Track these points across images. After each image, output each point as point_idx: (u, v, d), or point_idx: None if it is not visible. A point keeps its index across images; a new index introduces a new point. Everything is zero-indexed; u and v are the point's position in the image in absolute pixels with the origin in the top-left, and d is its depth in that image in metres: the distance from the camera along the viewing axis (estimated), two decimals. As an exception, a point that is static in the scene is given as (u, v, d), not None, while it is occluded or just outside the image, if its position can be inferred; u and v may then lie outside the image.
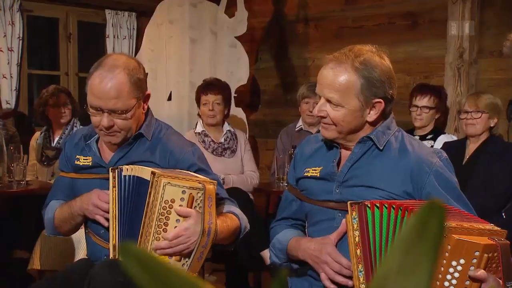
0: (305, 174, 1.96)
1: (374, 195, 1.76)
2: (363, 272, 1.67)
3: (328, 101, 1.81)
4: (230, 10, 5.03)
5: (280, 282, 0.41)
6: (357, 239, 1.69)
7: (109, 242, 2.01)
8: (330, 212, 1.87)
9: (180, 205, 1.89)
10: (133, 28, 5.41)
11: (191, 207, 1.89)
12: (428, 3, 4.41)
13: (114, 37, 5.32)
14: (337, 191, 1.86)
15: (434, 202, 0.42)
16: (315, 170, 1.93)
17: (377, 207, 1.67)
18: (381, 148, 1.82)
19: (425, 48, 4.40)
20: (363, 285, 1.67)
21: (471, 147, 3.49)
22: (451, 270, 1.48)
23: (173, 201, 1.88)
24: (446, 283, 1.49)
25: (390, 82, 1.81)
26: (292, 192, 2.05)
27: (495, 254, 1.47)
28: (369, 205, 1.68)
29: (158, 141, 2.14)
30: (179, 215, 1.89)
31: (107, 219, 2.02)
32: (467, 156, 3.48)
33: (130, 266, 0.42)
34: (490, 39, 4.10)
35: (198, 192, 1.89)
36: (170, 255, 1.91)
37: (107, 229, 2.03)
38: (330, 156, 1.92)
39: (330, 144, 1.93)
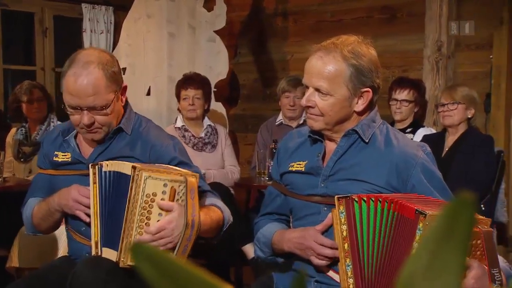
0: (290, 169, 1.95)
1: (359, 188, 1.76)
2: (351, 266, 1.68)
3: (317, 90, 1.80)
4: (209, 4, 5.00)
5: (299, 284, 0.40)
6: (344, 233, 1.69)
7: (90, 239, 1.98)
8: (315, 206, 1.86)
9: (162, 199, 1.87)
10: (110, 23, 5.35)
11: (173, 200, 1.88)
12: (406, -3, 4.43)
13: (91, 31, 5.26)
14: (322, 185, 1.85)
15: (462, 198, 0.40)
16: (299, 164, 1.92)
17: (364, 201, 1.67)
18: (366, 141, 1.82)
19: (403, 42, 4.42)
20: (351, 279, 1.67)
21: (450, 139, 3.53)
22: None
23: (154, 194, 1.86)
24: None
25: (377, 71, 1.81)
26: (276, 187, 2.04)
27: (479, 242, 1.48)
28: (356, 199, 1.68)
29: (138, 135, 2.11)
30: (161, 209, 1.87)
31: (88, 215, 1.99)
32: (446, 148, 3.51)
33: (144, 269, 0.40)
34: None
35: (180, 185, 1.88)
36: None
37: (88, 225, 2.00)
38: (314, 150, 1.92)
39: (314, 138, 1.93)
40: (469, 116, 3.51)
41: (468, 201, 0.40)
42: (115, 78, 2.03)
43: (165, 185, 1.87)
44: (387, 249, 1.62)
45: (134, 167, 1.87)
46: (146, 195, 1.86)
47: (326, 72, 1.77)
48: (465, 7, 4.13)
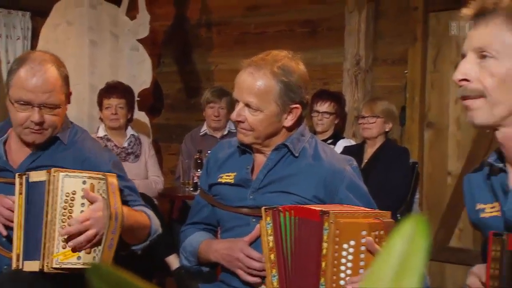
0: (219, 180, 1.96)
1: (288, 200, 1.80)
2: (277, 276, 1.71)
3: (247, 105, 1.83)
4: (131, 13, 4.95)
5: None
6: (271, 244, 1.72)
7: (10, 250, 1.92)
8: (244, 218, 1.89)
9: (82, 196, 1.84)
10: (27, 29, 5.18)
11: None
12: (326, 12, 4.57)
13: (6, 37, 5.07)
14: (251, 197, 1.88)
15: (414, 219, 0.44)
16: (229, 176, 1.93)
17: (288, 212, 1.71)
18: (296, 154, 1.86)
19: (324, 55, 4.55)
20: None
21: (369, 151, 3.68)
22: (344, 253, 1.55)
23: (74, 192, 1.83)
24: (343, 267, 1.55)
25: (306, 87, 1.87)
26: (204, 198, 2.04)
27: (382, 232, 1.56)
28: (282, 210, 1.72)
29: (73, 145, 2.07)
30: (86, 199, 1.83)
31: (8, 227, 1.93)
32: (365, 160, 3.65)
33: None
34: (383, 48, 4.32)
35: (99, 182, 1.86)
36: (82, 246, 1.83)
37: (8, 237, 1.94)
38: (243, 162, 1.94)
39: (243, 150, 1.95)
40: (387, 130, 3.67)
41: (421, 223, 0.44)
42: (67, 81, 2.04)
43: (84, 182, 1.85)
44: (301, 255, 1.66)
45: (48, 171, 1.84)
46: (66, 194, 1.82)
47: (256, 88, 1.81)
48: (382, 23, 4.32)
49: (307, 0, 4.66)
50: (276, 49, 1.91)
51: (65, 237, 1.82)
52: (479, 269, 1.38)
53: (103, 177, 1.86)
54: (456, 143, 4.02)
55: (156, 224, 2.08)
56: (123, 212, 1.85)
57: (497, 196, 1.37)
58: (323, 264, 1.57)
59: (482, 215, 1.41)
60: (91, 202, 1.84)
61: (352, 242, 1.55)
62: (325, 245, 1.57)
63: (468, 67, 1.30)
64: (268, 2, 4.84)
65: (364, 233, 1.54)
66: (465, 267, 3.95)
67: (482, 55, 1.28)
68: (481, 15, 1.29)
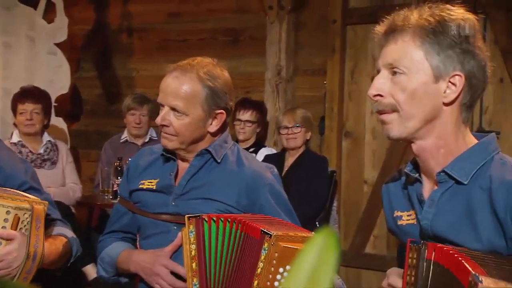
0: (140, 186, 1.94)
1: (210, 207, 1.81)
2: (197, 285, 1.71)
3: (173, 109, 1.82)
4: (49, 16, 4.82)
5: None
6: (193, 252, 1.72)
7: None
8: (165, 225, 1.87)
9: (3, 227, 1.76)
10: None
11: (16, 229, 1.76)
12: (248, 21, 4.62)
13: None
14: (173, 203, 1.87)
15: (325, 232, 0.46)
16: (150, 182, 1.92)
17: (214, 221, 1.71)
18: (219, 161, 1.87)
19: (246, 64, 4.60)
20: None
21: (290, 160, 3.74)
22: (278, 276, 1.57)
23: None
24: None
25: (230, 94, 1.88)
26: (124, 205, 2.01)
27: None
28: (206, 219, 1.71)
29: None
30: (1, 238, 1.76)
31: None
32: (285, 168, 3.72)
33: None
34: (304, 59, 4.42)
35: (25, 213, 1.77)
36: None
37: None
38: (166, 168, 1.93)
39: (167, 156, 1.94)
40: (308, 138, 3.75)
41: (332, 237, 0.47)
42: None
43: (8, 212, 1.75)
44: (233, 268, 1.67)
45: None
46: None
47: (182, 92, 1.81)
48: (302, 34, 4.42)
49: (230, 9, 4.70)
50: (199, 57, 1.93)
51: None
52: (394, 271, 1.44)
53: (30, 208, 1.75)
54: (372, 152, 4.16)
55: (76, 245, 2.00)
56: (43, 251, 1.78)
57: (413, 205, 1.43)
58: (255, 282, 1.57)
59: (400, 222, 1.46)
60: (8, 240, 1.75)
61: (288, 267, 1.56)
62: (261, 264, 1.57)
63: (381, 83, 1.36)
64: (191, 10, 4.84)
65: (296, 258, 1.56)
66: (379, 273, 4.10)
67: (393, 71, 1.34)
68: (391, 32, 1.36)
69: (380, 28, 1.39)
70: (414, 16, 1.34)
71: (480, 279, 1.14)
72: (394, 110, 1.35)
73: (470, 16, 1.35)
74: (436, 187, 1.38)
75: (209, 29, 4.78)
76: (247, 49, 4.62)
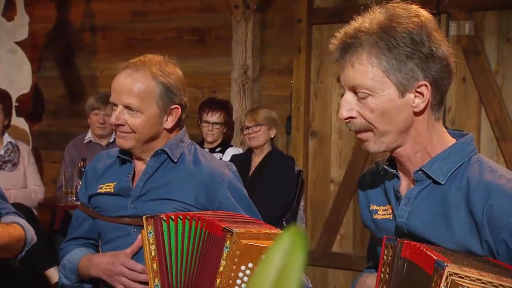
0: (99, 191, 1.91)
1: (169, 207, 1.79)
2: (159, 286, 1.69)
3: (127, 107, 1.80)
4: (9, 14, 4.71)
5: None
6: (153, 253, 1.69)
7: None
8: (125, 228, 1.85)
9: None
10: None
11: None
12: (214, 20, 4.60)
13: None
14: (132, 206, 1.85)
15: (293, 231, 0.45)
16: (108, 186, 1.90)
17: (172, 219, 1.68)
18: (175, 160, 1.86)
19: (212, 63, 4.57)
20: None
21: (256, 159, 3.74)
22: (240, 274, 1.56)
23: None
24: None
25: (184, 90, 1.87)
26: (84, 211, 1.98)
27: None
28: (164, 218, 1.69)
29: None
30: None
31: None
32: (252, 168, 3.71)
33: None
34: (270, 58, 4.42)
35: None
36: None
37: None
38: (123, 171, 1.91)
39: (123, 159, 1.92)
40: (272, 136, 3.76)
41: (297, 233, 0.46)
42: None
43: None
44: (195, 266, 1.65)
45: None
46: None
47: (136, 89, 1.79)
48: (268, 33, 4.42)
49: (195, 7, 4.66)
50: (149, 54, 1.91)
51: None
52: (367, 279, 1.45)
53: None
54: (338, 151, 4.18)
55: (31, 233, 1.98)
56: None
57: (389, 200, 1.43)
58: (218, 280, 1.56)
59: (375, 216, 1.46)
60: None
61: (250, 265, 1.55)
62: (223, 262, 1.55)
63: (349, 105, 1.35)
64: (156, 8, 4.79)
65: (264, 257, 1.54)
66: (346, 271, 4.13)
67: (358, 93, 1.34)
68: (344, 50, 1.33)
69: (333, 45, 1.37)
70: (365, 27, 1.31)
71: (445, 264, 1.15)
72: (368, 129, 1.35)
73: (423, 12, 1.32)
74: (412, 185, 1.38)
75: (175, 28, 4.74)
76: (213, 48, 4.60)
